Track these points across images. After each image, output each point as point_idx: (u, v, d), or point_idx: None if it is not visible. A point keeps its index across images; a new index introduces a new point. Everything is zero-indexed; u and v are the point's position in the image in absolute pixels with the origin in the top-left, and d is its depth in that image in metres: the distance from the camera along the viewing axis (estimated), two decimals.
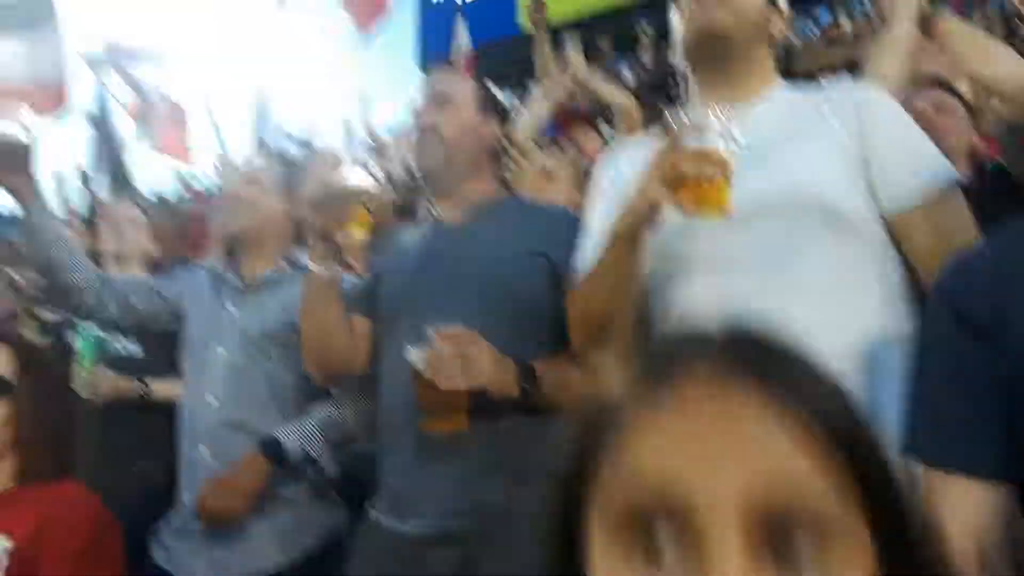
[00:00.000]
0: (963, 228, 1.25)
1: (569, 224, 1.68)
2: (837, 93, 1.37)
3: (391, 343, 1.65)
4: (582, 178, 2.65)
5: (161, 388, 2.55)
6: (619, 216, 1.22)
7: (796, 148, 1.28)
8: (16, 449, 1.53)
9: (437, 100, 1.73)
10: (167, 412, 2.44)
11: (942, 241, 1.21)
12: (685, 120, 1.15)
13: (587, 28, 8.18)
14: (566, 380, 1.51)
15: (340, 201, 1.58)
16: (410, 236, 1.81)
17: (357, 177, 1.59)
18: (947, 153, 1.33)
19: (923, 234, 1.23)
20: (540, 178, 2.58)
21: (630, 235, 1.21)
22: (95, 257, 3.18)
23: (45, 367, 1.69)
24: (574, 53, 3.95)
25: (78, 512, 1.52)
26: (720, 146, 1.09)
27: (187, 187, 8.06)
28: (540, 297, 1.59)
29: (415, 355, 1.36)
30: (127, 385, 2.53)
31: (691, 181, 1.08)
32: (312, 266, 1.65)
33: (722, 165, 1.08)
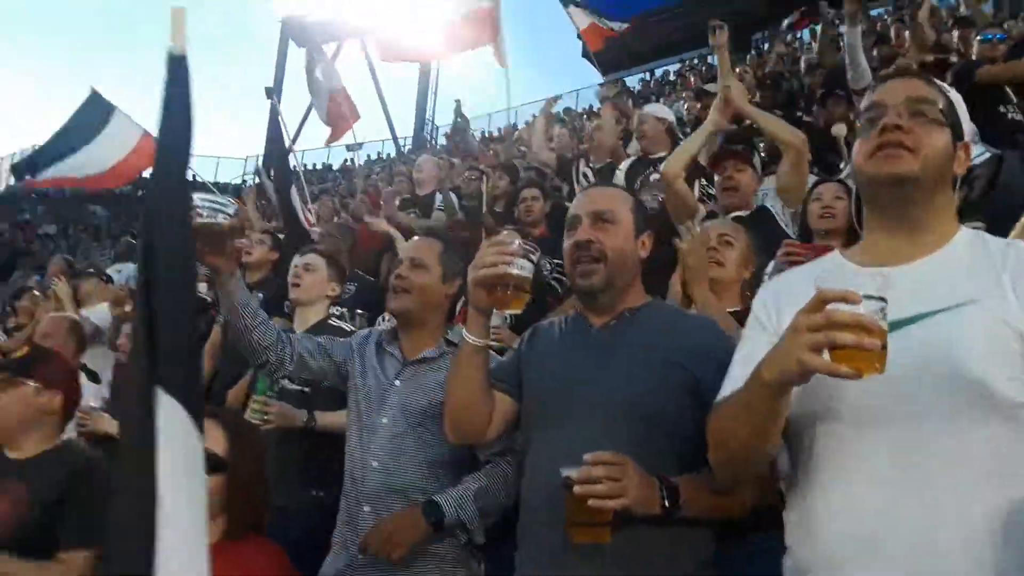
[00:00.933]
0: None
1: (713, 336, 1.73)
2: (1016, 253, 1.28)
3: (537, 440, 1.78)
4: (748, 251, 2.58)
5: (325, 419, 2.79)
6: (768, 362, 1.20)
7: (958, 320, 1.21)
8: (224, 510, 1.75)
9: (597, 218, 1.78)
10: (331, 441, 2.69)
11: None
12: (841, 285, 1.11)
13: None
14: (707, 496, 1.58)
15: (504, 287, 1.63)
16: (556, 330, 1.90)
17: (522, 264, 1.62)
18: None
19: None
20: (719, 245, 2.54)
21: (777, 387, 1.20)
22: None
23: (251, 438, 1.92)
24: (735, 84, 3.82)
25: (271, 566, 1.75)
26: (878, 315, 1.08)
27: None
28: (680, 409, 1.64)
29: (568, 473, 1.48)
30: (294, 415, 2.77)
31: (848, 349, 1.07)
32: (468, 336, 1.74)
33: (881, 335, 1.07)
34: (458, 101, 11.38)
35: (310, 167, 25.78)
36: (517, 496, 1.88)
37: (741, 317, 2.23)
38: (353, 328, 3.28)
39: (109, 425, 3.26)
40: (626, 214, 1.81)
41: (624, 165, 4.64)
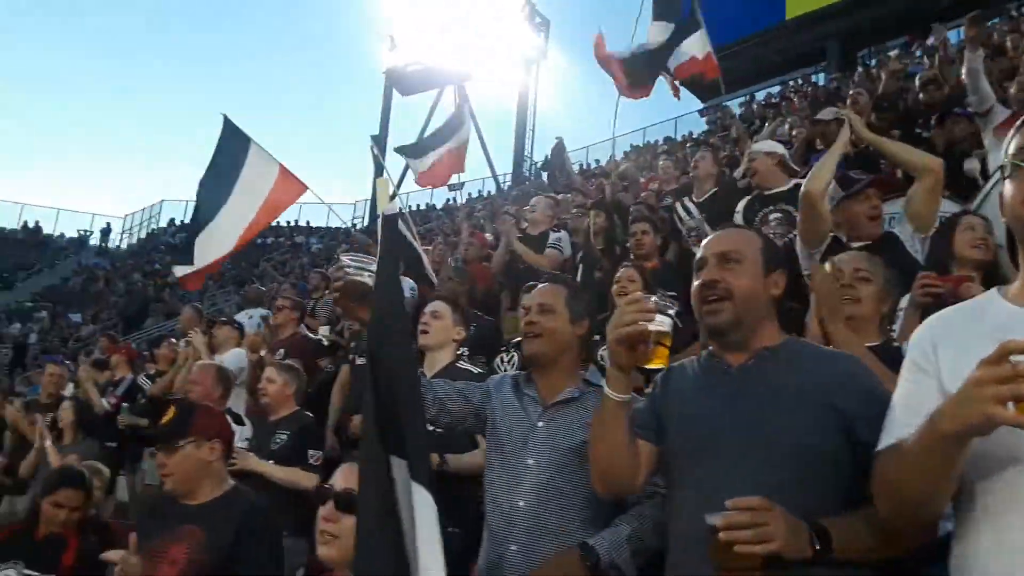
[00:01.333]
0: None
1: (858, 372, 1.70)
2: None
3: (681, 484, 1.78)
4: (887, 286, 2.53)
5: (458, 462, 2.89)
6: (947, 414, 1.19)
7: None
8: None
9: (723, 258, 1.80)
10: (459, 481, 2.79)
11: None
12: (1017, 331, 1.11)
13: None
14: (862, 537, 1.53)
15: (644, 344, 1.66)
16: (690, 371, 1.89)
17: (660, 320, 1.64)
18: None
19: None
20: (855, 281, 2.51)
21: (956, 439, 1.20)
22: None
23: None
24: (854, 118, 3.75)
25: None
26: None
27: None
28: (830, 449, 1.61)
29: (713, 520, 1.48)
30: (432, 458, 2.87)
31: None
32: (610, 393, 1.76)
33: None
34: (559, 139, 11.50)
35: (414, 207, 26.65)
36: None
37: (880, 352, 2.20)
38: (480, 370, 3.38)
39: (256, 464, 3.48)
40: (754, 253, 1.81)
41: (741, 205, 4.58)
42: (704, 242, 1.91)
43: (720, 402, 1.75)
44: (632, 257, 4.78)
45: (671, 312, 1.63)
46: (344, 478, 1.98)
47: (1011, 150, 1.39)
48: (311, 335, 5.99)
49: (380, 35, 29.21)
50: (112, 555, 2.34)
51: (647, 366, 1.67)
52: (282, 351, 5.23)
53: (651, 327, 1.61)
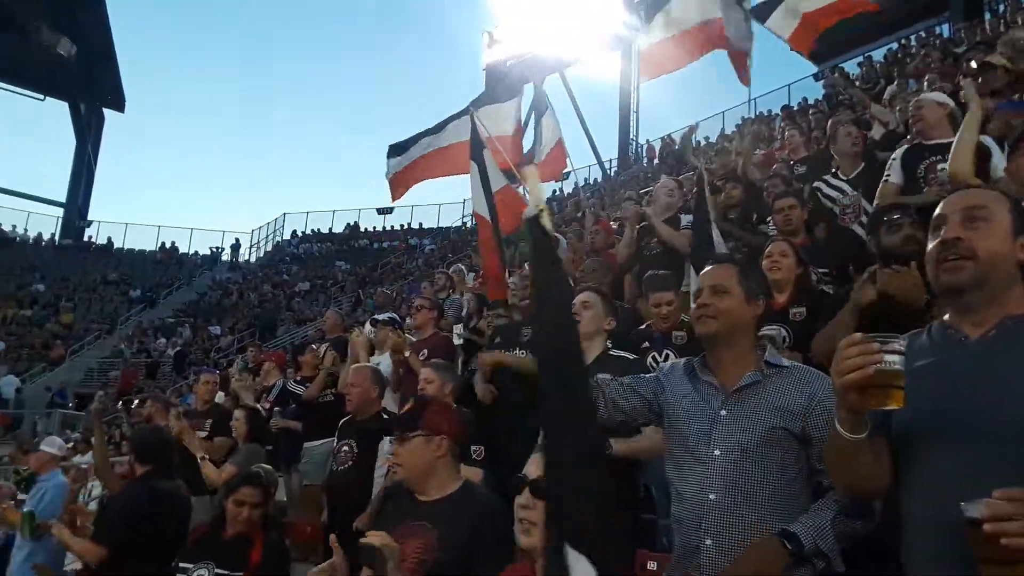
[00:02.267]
0: None
1: None
2: None
3: (915, 469, 1.63)
4: None
5: (621, 447, 2.87)
6: None
7: None
8: None
9: (968, 216, 1.65)
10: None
11: None
12: None
13: None
14: None
15: (875, 387, 1.52)
16: (921, 345, 1.72)
17: (889, 360, 1.49)
18: None
19: None
20: None
21: None
22: None
23: None
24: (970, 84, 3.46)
25: None
26: None
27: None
28: None
29: (973, 511, 1.36)
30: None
31: None
32: (844, 434, 1.59)
33: None
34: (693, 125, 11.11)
35: None
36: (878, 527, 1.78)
37: None
38: (636, 356, 3.34)
39: None
40: (1003, 214, 1.65)
41: (899, 153, 4.33)
42: (945, 200, 1.74)
43: (957, 379, 1.60)
44: (776, 232, 4.60)
45: (899, 347, 1.49)
46: (536, 466, 1.99)
47: None
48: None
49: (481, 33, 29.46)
50: (373, 536, 2.34)
51: (884, 408, 1.53)
52: (424, 351, 5.34)
53: (879, 368, 1.48)
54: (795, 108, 17.45)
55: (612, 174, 27.39)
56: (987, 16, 17.66)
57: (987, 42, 8.46)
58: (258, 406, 6.42)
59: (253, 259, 36.39)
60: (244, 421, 5.55)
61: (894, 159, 4.30)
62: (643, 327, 4.33)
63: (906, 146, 4.42)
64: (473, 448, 3.69)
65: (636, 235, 5.95)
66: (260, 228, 38.02)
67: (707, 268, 2.37)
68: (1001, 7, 17.95)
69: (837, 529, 1.93)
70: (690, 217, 5.85)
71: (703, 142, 21.95)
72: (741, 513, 2.03)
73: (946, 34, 17.88)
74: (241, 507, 3.48)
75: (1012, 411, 1.49)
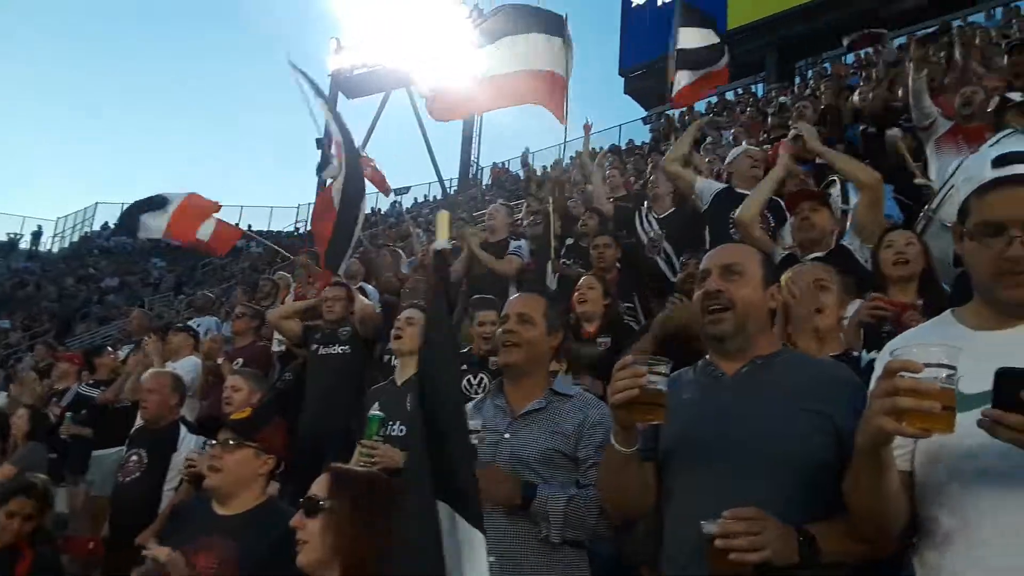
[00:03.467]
0: None
1: (848, 382, 1.77)
2: None
3: (678, 491, 1.82)
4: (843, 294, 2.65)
5: None
6: (859, 429, 1.36)
7: None
8: (335, 553, 1.90)
9: (726, 270, 1.87)
10: None
11: None
12: (909, 353, 1.26)
13: None
14: (846, 542, 1.61)
15: (640, 404, 1.67)
16: (686, 380, 1.93)
17: (652, 380, 1.66)
18: None
19: None
20: (815, 288, 2.62)
21: (870, 450, 1.36)
22: None
23: (350, 483, 2.04)
24: (806, 128, 3.94)
25: None
26: (939, 381, 1.22)
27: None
28: (820, 455, 1.68)
29: (709, 528, 1.56)
30: (398, 457, 2.92)
31: (914, 411, 1.22)
32: (618, 447, 1.76)
33: (940, 397, 1.22)
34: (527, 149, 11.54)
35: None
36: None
37: (842, 361, 2.29)
38: None
39: None
40: (754, 267, 1.90)
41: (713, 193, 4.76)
42: (707, 255, 1.99)
43: (714, 410, 1.80)
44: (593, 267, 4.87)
45: (663, 370, 1.67)
46: (320, 486, 2.02)
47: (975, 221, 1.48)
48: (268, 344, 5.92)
49: (327, 37, 28.86)
50: (158, 551, 2.24)
51: (647, 423, 1.71)
52: (240, 360, 5.15)
53: (645, 389, 1.64)
54: (623, 148, 18.54)
55: (452, 192, 27.63)
56: (797, 80, 19.72)
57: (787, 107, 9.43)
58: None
59: (56, 249, 33.22)
60: (26, 420, 5.13)
61: (703, 202, 4.75)
62: (465, 349, 4.42)
63: (720, 189, 4.85)
64: None
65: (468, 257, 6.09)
66: (68, 216, 34.79)
67: (515, 296, 2.51)
68: (809, 73, 20.13)
69: (570, 507, 2.11)
70: (519, 243, 6.09)
71: (545, 169, 22.70)
72: (517, 528, 2.18)
73: (760, 93, 19.67)
74: (11, 519, 3.20)
75: (753, 439, 1.71)
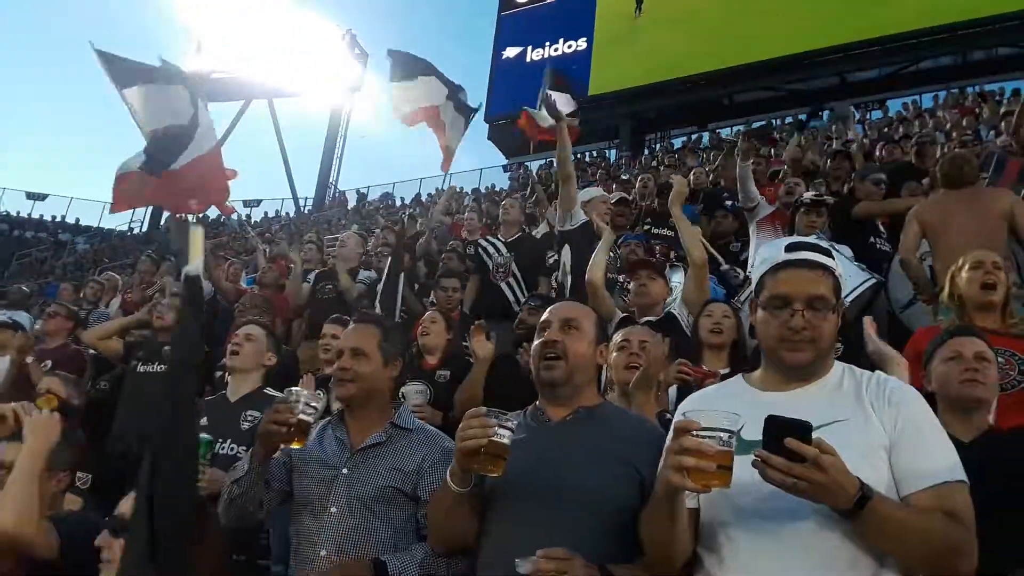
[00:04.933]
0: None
1: (654, 439, 1.91)
2: (877, 381, 1.65)
3: (496, 527, 1.92)
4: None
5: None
6: (656, 479, 1.55)
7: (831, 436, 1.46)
8: None
9: (565, 324, 2.04)
10: None
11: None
12: (697, 416, 1.45)
13: None
14: None
15: (486, 455, 1.76)
16: (519, 424, 1.99)
17: (500, 434, 1.75)
18: None
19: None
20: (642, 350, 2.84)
21: (664, 500, 1.54)
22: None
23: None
24: (678, 179, 4.29)
25: None
26: (718, 443, 1.41)
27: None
28: (628, 503, 1.83)
29: (523, 567, 1.66)
30: (225, 481, 2.80)
31: (696, 469, 1.40)
32: (452, 486, 1.85)
33: (718, 458, 1.40)
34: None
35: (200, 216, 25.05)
36: None
37: (660, 420, 2.51)
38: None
39: None
40: (589, 326, 2.08)
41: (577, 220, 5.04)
42: (549, 309, 2.14)
43: (538, 453, 1.92)
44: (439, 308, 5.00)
45: (511, 426, 1.77)
46: (126, 507, 1.99)
47: (766, 295, 1.71)
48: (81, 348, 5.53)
49: (188, 37, 27.61)
50: None
51: (485, 473, 1.79)
52: (49, 362, 4.80)
53: (494, 441, 1.74)
54: (483, 191, 19.02)
55: (306, 211, 26.98)
56: (645, 151, 21.11)
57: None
58: None
59: None
60: None
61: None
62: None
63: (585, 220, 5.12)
64: (79, 475, 3.37)
65: (313, 279, 6.10)
66: None
67: (350, 327, 2.48)
68: (657, 147, 21.62)
69: (425, 570, 2.12)
70: (369, 273, 6.12)
71: (401, 200, 22.71)
72: None
73: (612, 158, 20.86)
74: None
75: (570, 482, 1.85)
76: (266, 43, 27.23)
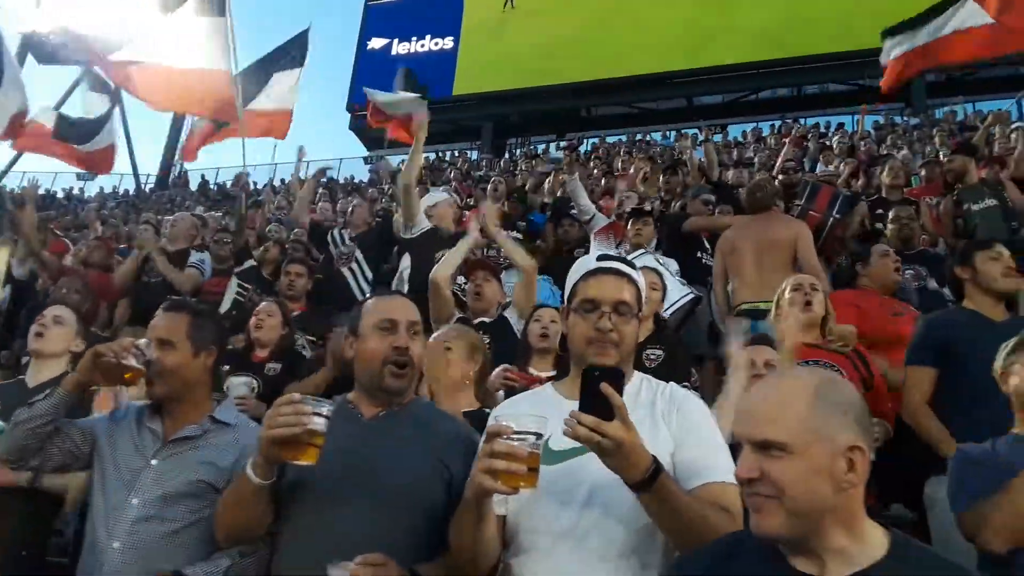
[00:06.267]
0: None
1: (467, 439, 1.98)
2: (668, 392, 1.79)
3: (296, 524, 1.87)
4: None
5: (49, 480, 2.71)
6: (468, 483, 1.56)
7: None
8: None
9: (412, 328, 2.03)
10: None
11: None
12: (505, 422, 1.50)
13: None
14: None
15: (298, 443, 1.71)
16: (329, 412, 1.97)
17: (316, 422, 1.71)
18: None
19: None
20: (442, 350, 2.92)
21: (474, 502, 1.57)
22: None
23: None
24: (489, 204, 4.42)
25: None
26: (528, 446, 1.47)
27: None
28: (439, 501, 1.87)
29: (336, 572, 1.64)
30: (18, 475, 2.64)
31: (506, 472, 1.46)
32: (253, 477, 1.78)
33: (527, 461, 1.46)
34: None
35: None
36: None
37: (473, 417, 2.58)
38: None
39: None
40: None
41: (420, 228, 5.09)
42: (396, 307, 2.07)
43: (349, 448, 1.89)
44: (281, 294, 4.88)
45: (325, 412, 1.72)
46: None
47: (578, 299, 1.81)
48: None
49: None
50: None
51: (296, 463, 1.73)
52: None
53: (308, 428, 1.68)
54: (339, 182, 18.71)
55: (147, 190, 25.29)
56: (506, 155, 21.46)
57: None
58: None
59: None
60: None
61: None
62: None
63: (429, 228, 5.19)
64: None
65: (139, 262, 5.85)
66: None
67: (157, 315, 2.31)
68: (517, 152, 22.02)
69: (233, 572, 2.02)
70: (203, 256, 5.90)
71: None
72: (141, 563, 2.02)
73: (474, 158, 21.06)
74: None
75: (385, 479, 1.86)
76: (114, 7, 25.32)
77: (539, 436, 1.49)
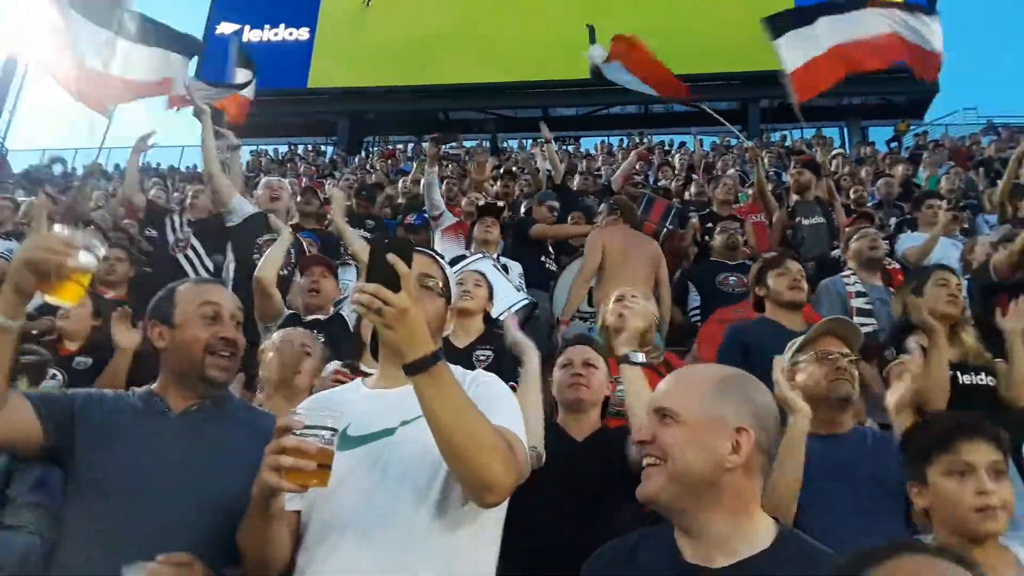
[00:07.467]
0: None
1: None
2: (473, 378, 1.72)
3: (86, 519, 1.72)
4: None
5: None
6: (255, 481, 1.45)
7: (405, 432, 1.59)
8: None
9: (235, 319, 1.94)
10: None
11: None
12: (298, 414, 1.43)
13: None
14: None
15: (59, 276, 1.56)
16: (128, 404, 1.87)
17: (85, 256, 1.57)
18: None
19: None
20: (300, 352, 2.89)
21: (261, 502, 1.48)
22: None
23: None
24: (336, 192, 4.33)
25: None
26: (320, 441, 1.38)
27: None
28: (244, 501, 1.73)
29: (132, 572, 1.51)
30: None
31: (294, 469, 1.37)
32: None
33: (318, 457, 1.38)
34: None
35: None
36: None
37: None
38: None
39: None
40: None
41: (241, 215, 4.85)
42: (219, 298, 1.95)
43: (154, 446, 1.77)
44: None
45: (99, 253, 1.59)
46: None
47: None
48: None
49: None
50: None
51: (53, 300, 1.58)
52: None
53: (73, 263, 1.53)
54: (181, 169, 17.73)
55: None
56: (363, 153, 21.04)
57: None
58: None
59: None
60: None
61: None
62: None
63: (253, 212, 4.96)
64: None
65: None
66: None
67: None
68: (374, 149, 21.63)
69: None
70: (10, 244, 5.47)
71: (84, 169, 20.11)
72: None
73: (330, 154, 20.50)
74: None
75: (197, 481, 1.74)
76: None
77: (334, 432, 1.41)
